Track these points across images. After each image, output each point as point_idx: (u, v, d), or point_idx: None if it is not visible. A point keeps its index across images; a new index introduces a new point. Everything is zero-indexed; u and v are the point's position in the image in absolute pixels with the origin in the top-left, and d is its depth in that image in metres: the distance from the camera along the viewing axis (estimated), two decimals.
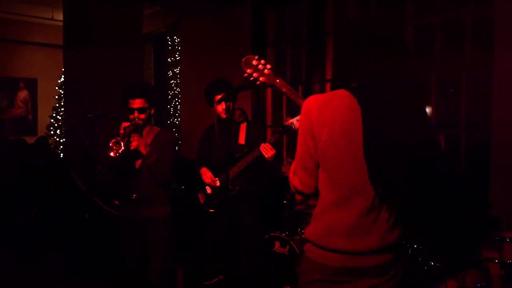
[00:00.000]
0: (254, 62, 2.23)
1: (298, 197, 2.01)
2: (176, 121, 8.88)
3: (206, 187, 4.01)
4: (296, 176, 1.94)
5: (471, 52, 4.73)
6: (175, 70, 8.95)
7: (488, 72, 4.43)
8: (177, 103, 8.87)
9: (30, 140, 8.59)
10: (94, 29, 6.62)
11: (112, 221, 3.74)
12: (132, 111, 3.26)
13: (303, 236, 2.05)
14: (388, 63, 1.84)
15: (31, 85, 11.02)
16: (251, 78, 2.24)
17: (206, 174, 3.97)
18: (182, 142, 8.46)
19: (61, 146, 10.08)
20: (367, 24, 1.93)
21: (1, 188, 6.07)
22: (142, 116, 3.28)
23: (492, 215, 4.13)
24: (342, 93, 1.85)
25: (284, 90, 2.22)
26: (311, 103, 1.86)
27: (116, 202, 3.94)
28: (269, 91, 6.90)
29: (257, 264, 3.98)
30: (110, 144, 3.02)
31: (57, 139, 10.31)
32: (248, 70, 2.24)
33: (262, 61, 2.24)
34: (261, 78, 2.23)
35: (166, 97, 9.01)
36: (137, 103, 3.26)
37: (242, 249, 3.99)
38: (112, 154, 3.02)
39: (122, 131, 3.13)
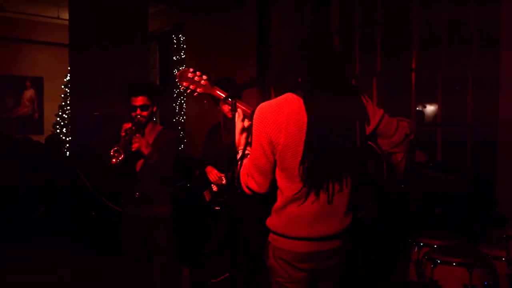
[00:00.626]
0: (190, 75, 2.30)
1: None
2: (182, 119, 8.90)
3: (212, 185, 4.02)
4: (250, 178, 2.04)
5: (476, 51, 4.72)
6: (180, 68, 8.95)
7: (494, 71, 4.42)
8: (182, 102, 8.88)
9: (37, 138, 8.63)
10: (100, 28, 6.63)
11: (117, 220, 3.76)
12: (134, 108, 3.28)
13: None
14: (330, 68, 1.95)
15: (37, 83, 11.06)
16: (188, 91, 2.30)
17: (212, 172, 3.98)
18: (187, 141, 8.47)
19: (67, 145, 10.11)
20: (307, 33, 2.01)
21: (1, 187, 6.10)
22: (145, 113, 3.29)
23: (498, 213, 4.12)
24: (291, 98, 1.95)
25: (222, 97, 2.29)
26: (265, 110, 1.95)
27: (122, 200, 3.96)
28: (272, 89, 6.90)
29: (261, 262, 3.98)
30: (111, 153, 3.06)
31: (63, 138, 10.35)
32: (184, 83, 2.30)
33: (198, 73, 2.30)
34: (198, 89, 2.30)
35: (172, 95, 9.02)
36: (139, 100, 3.28)
37: (246, 247, 4.00)
38: (113, 161, 3.06)
39: (123, 133, 3.15)
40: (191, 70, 2.30)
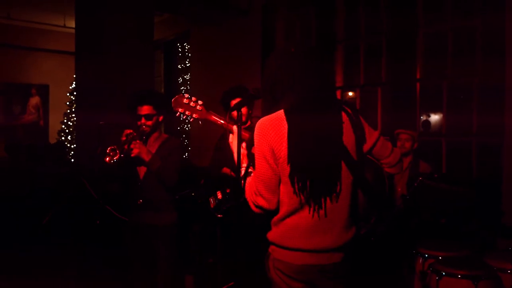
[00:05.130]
0: (185, 101, 2.33)
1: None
2: (186, 127, 8.92)
3: (217, 192, 4.02)
4: (258, 195, 2.02)
5: (482, 60, 4.71)
6: (185, 76, 9.00)
7: (499, 80, 4.41)
8: None
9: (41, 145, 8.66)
10: (106, 36, 6.67)
11: (122, 228, 3.77)
12: (139, 117, 3.29)
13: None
14: (315, 86, 1.95)
15: (43, 91, 11.13)
16: (184, 116, 2.34)
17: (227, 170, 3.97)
18: (191, 149, 8.48)
19: (72, 153, 10.14)
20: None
21: (12, 194, 6.13)
22: (149, 123, 3.30)
23: (504, 224, 4.10)
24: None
25: (219, 123, 2.35)
26: (266, 123, 1.97)
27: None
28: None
29: (265, 270, 3.96)
30: (107, 150, 3.03)
31: (68, 145, 10.39)
32: (180, 109, 2.34)
33: (194, 98, 2.34)
34: (194, 115, 2.35)
35: None
36: (144, 109, 3.29)
37: (251, 255, 3.99)
38: (107, 159, 3.03)
39: (124, 138, 3.15)
40: (186, 96, 2.34)
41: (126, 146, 3.11)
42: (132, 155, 3.16)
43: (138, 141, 3.19)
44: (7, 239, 5.71)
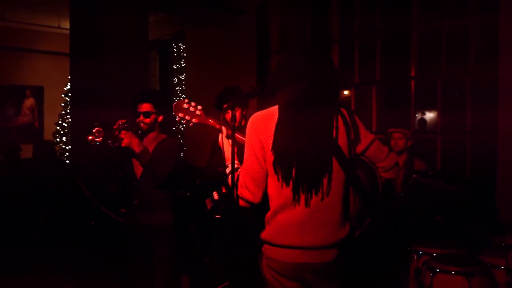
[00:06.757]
0: (185, 106, 2.40)
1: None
2: (182, 127, 8.91)
3: (213, 193, 4.02)
4: (245, 188, 2.05)
5: (475, 59, 4.74)
6: (180, 76, 8.99)
7: (493, 78, 4.43)
8: None
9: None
10: (100, 37, 6.65)
11: (118, 228, 3.76)
12: (138, 114, 3.32)
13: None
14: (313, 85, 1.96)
15: (37, 92, 11.08)
16: (184, 121, 2.40)
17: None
18: (186, 149, 8.48)
19: (67, 154, 10.12)
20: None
21: (11, 194, 6.11)
22: (147, 120, 3.32)
23: (498, 221, 4.12)
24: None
25: (218, 127, 2.39)
26: (257, 118, 2.02)
27: (123, 210, 3.96)
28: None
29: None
30: (93, 130, 3.00)
31: (63, 146, 10.36)
32: (180, 114, 2.41)
33: (193, 103, 2.40)
34: (193, 120, 2.41)
35: (171, 104, 9.03)
36: (144, 107, 3.32)
37: (249, 255, 3.99)
38: (89, 137, 3.00)
39: (115, 126, 3.15)
40: (186, 101, 2.40)
41: (116, 133, 3.11)
42: (123, 145, 3.14)
43: (129, 131, 3.19)
44: (7, 239, 5.71)
